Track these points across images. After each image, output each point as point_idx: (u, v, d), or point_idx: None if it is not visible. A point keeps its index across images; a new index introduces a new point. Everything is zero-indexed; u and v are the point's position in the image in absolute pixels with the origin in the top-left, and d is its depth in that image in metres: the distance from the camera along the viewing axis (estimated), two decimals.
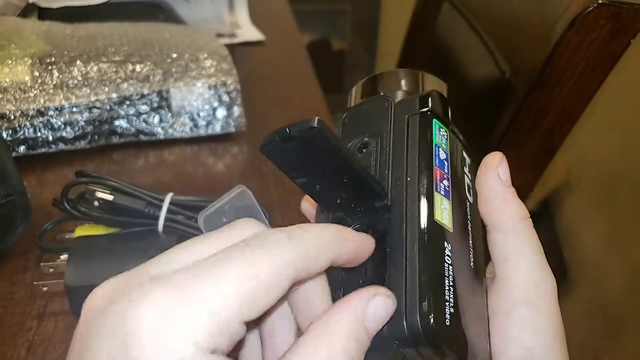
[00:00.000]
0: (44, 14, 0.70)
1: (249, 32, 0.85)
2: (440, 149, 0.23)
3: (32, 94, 0.52)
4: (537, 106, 0.52)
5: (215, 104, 0.57)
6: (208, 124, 0.58)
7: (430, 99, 0.24)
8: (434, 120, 0.23)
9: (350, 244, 0.19)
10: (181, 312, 0.16)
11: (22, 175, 0.43)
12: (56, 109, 0.52)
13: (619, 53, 0.48)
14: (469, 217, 0.23)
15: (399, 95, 0.25)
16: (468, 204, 0.24)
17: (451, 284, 0.20)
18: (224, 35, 0.83)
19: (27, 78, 0.52)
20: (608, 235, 0.96)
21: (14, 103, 0.51)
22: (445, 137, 0.24)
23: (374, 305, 0.18)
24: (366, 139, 0.24)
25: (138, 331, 0.15)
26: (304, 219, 0.27)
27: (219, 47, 0.61)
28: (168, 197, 0.41)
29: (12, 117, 0.51)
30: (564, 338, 0.22)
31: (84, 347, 0.16)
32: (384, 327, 0.19)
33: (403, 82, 0.26)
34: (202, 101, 0.57)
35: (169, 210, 0.41)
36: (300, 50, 0.84)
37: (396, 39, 0.95)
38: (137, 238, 0.41)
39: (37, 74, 0.52)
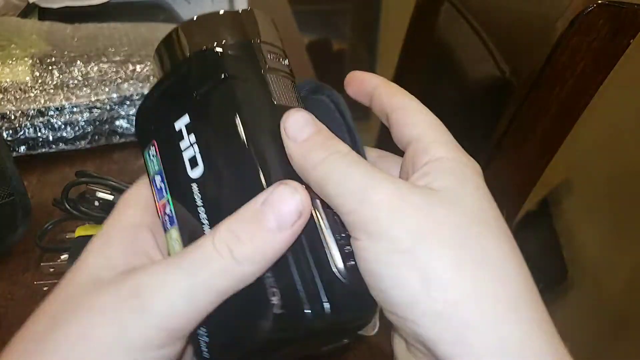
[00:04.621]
0: (45, 14, 0.70)
1: None
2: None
3: (32, 94, 0.52)
4: (537, 106, 0.52)
5: None
6: None
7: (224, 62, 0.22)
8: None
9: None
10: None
11: (22, 175, 0.43)
12: (56, 109, 0.52)
13: (619, 53, 0.48)
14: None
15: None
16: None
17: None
18: None
19: (27, 78, 0.52)
20: (608, 235, 0.96)
21: (14, 103, 0.51)
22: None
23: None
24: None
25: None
26: None
27: None
28: None
29: (13, 117, 0.51)
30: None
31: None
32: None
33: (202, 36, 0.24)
34: None
35: None
36: (301, 51, 0.84)
37: (396, 39, 0.95)
38: None
39: (37, 74, 0.53)
